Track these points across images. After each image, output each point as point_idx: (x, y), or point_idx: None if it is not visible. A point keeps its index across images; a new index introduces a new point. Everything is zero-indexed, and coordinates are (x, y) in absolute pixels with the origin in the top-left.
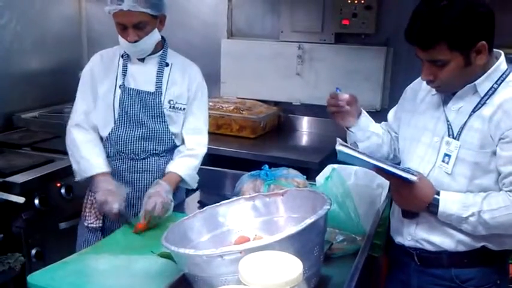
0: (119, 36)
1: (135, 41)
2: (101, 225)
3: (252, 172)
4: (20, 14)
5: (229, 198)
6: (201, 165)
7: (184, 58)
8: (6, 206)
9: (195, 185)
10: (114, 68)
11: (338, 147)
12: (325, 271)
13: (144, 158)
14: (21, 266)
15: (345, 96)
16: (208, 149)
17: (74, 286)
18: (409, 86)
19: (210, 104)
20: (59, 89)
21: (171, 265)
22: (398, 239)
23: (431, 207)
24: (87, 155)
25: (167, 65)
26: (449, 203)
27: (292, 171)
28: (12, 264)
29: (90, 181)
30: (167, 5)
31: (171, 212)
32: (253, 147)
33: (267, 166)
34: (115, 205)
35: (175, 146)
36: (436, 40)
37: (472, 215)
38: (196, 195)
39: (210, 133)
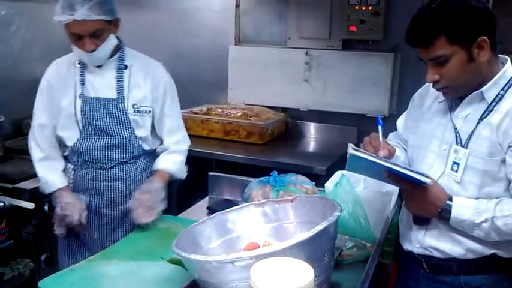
0: (73, 46)
1: (92, 50)
2: (62, 233)
3: (261, 178)
4: (29, 21)
5: (237, 205)
6: (209, 171)
7: (145, 57)
8: (16, 212)
9: (184, 176)
10: (71, 77)
11: (351, 151)
12: (335, 278)
13: (112, 167)
14: (31, 272)
15: (384, 153)
16: (216, 155)
17: None
18: (416, 93)
19: (218, 110)
20: None
21: (180, 271)
22: (407, 246)
23: (444, 212)
24: (42, 173)
25: (126, 67)
26: (462, 209)
27: (301, 178)
28: (22, 269)
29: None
30: (178, 11)
31: (164, 207)
32: (261, 153)
33: (275, 172)
34: (75, 217)
35: (143, 151)
36: (435, 34)
37: (486, 221)
38: (205, 202)
39: (218, 139)
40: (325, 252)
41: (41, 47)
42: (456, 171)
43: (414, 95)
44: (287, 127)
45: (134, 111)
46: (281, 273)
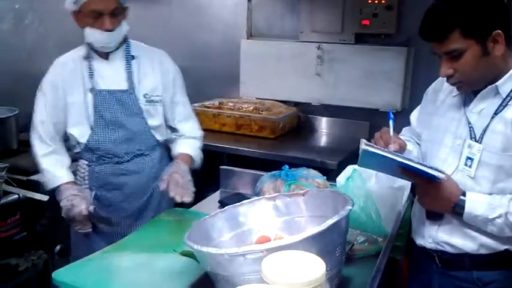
0: (88, 29)
1: (111, 30)
2: (90, 230)
3: (273, 172)
4: (43, 15)
5: (249, 198)
6: (220, 165)
7: (149, 47)
8: (30, 204)
9: (199, 164)
10: (78, 72)
11: (363, 147)
12: (346, 272)
13: (128, 160)
14: (44, 263)
15: (395, 147)
16: (228, 148)
17: (97, 283)
18: (429, 87)
19: (230, 104)
20: None
21: (192, 264)
22: (420, 241)
23: (457, 208)
24: (48, 167)
25: (133, 57)
26: (476, 204)
27: (313, 172)
28: (36, 261)
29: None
30: (190, 6)
31: (193, 189)
32: (273, 147)
33: (287, 166)
34: (83, 206)
35: (157, 142)
36: (449, 28)
37: (499, 216)
38: (216, 195)
39: (229, 133)
40: (336, 246)
41: (54, 41)
42: (470, 167)
43: (428, 89)
44: (299, 121)
45: (146, 101)
46: (292, 266)
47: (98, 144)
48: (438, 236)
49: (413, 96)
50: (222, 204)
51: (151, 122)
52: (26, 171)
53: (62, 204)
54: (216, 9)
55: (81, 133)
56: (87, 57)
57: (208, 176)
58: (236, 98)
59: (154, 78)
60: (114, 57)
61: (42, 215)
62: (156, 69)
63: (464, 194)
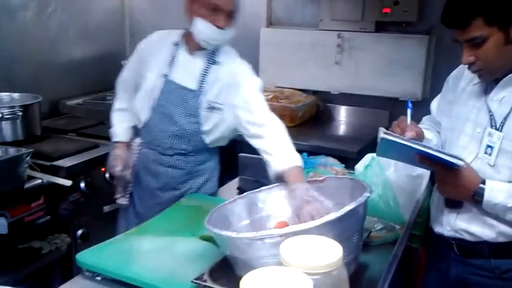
0: (199, 20)
1: (223, 28)
2: (127, 203)
3: None
4: (66, 3)
5: (267, 185)
6: (239, 152)
7: (236, 58)
8: (53, 189)
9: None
10: (163, 53)
11: (382, 135)
12: (363, 259)
13: (171, 155)
14: (67, 247)
15: (411, 134)
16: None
17: (119, 265)
18: (450, 75)
19: None
20: (102, 77)
21: (211, 247)
22: (438, 229)
23: (477, 196)
24: (113, 122)
25: (214, 62)
26: (495, 192)
27: (331, 160)
28: (59, 244)
29: None
30: None
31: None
32: (291, 136)
33: (305, 154)
34: (117, 168)
35: (204, 146)
36: (472, 16)
37: None
38: (235, 182)
39: None
40: (354, 232)
41: (76, 30)
42: (490, 155)
43: (448, 77)
44: (318, 110)
45: (207, 107)
46: (310, 250)
47: (151, 129)
48: (457, 224)
49: (434, 85)
50: (241, 191)
51: (204, 127)
52: (50, 156)
53: (108, 160)
54: None
55: (142, 111)
56: (176, 45)
57: (227, 164)
58: None
59: (223, 89)
60: (198, 54)
61: (66, 200)
62: (231, 87)
63: (483, 182)
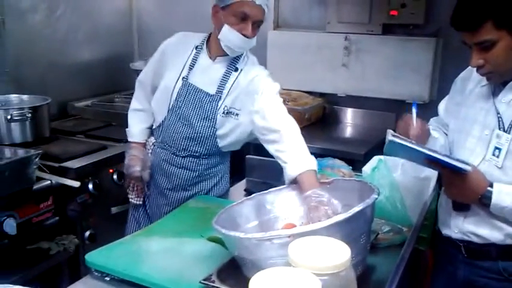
0: (227, 27)
1: (249, 37)
2: (140, 202)
3: None
4: (74, 6)
5: (275, 187)
6: (246, 154)
7: (255, 65)
8: (62, 190)
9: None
10: (185, 56)
11: (390, 138)
12: (371, 260)
13: (183, 157)
14: (75, 248)
15: (416, 131)
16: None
17: (128, 265)
18: (458, 77)
19: None
20: (111, 79)
21: (219, 249)
22: (446, 231)
23: (484, 199)
24: (130, 122)
25: (236, 69)
26: (503, 195)
27: (338, 162)
28: (67, 245)
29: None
30: None
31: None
32: None
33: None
34: (137, 168)
35: (218, 149)
36: (482, 19)
37: None
38: (242, 184)
39: None
40: (361, 234)
41: (85, 32)
42: (497, 157)
43: (456, 79)
44: (325, 112)
45: (223, 112)
46: (318, 251)
47: (166, 130)
48: (464, 226)
49: (441, 88)
50: (248, 192)
51: (219, 131)
52: (58, 158)
53: (125, 161)
54: None
55: (159, 112)
56: (198, 49)
57: (235, 166)
58: None
59: (241, 95)
60: (220, 61)
61: (74, 201)
62: (249, 95)
63: (491, 185)
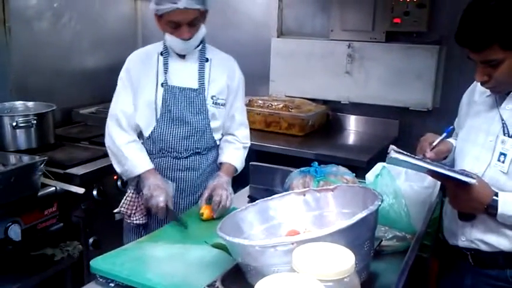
0: (167, 35)
1: (189, 38)
2: (145, 221)
3: (302, 168)
4: (80, 14)
5: (278, 194)
6: (250, 160)
7: (221, 52)
8: (66, 196)
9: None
10: (153, 66)
11: (394, 155)
12: (374, 267)
13: (186, 157)
14: (79, 254)
15: (431, 154)
16: (257, 145)
17: (132, 271)
18: (466, 91)
19: (260, 102)
20: (115, 86)
21: (223, 255)
22: (452, 240)
23: (490, 209)
24: (130, 155)
25: (207, 60)
26: (508, 204)
27: (342, 169)
28: (71, 251)
29: (132, 179)
30: (221, 3)
31: (230, 203)
32: (301, 145)
33: (316, 163)
34: (161, 198)
35: (214, 143)
36: (489, 42)
37: None
38: (245, 190)
39: (259, 130)
40: (365, 241)
41: (90, 39)
42: (503, 162)
43: (465, 93)
44: (328, 119)
45: (212, 103)
46: (322, 257)
47: (161, 137)
48: (472, 234)
49: (444, 95)
50: (252, 199)
51: (213, 123)
52: (63, 164)
53: (144, 191)
54: (247, 7)
55: (147, 125)
56: (164, 54)
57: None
58: (266, 96)
59: (222, 82)
60: (189, 57)
61: (78, 207)
62: (224, 74)
63: (496, 195)
